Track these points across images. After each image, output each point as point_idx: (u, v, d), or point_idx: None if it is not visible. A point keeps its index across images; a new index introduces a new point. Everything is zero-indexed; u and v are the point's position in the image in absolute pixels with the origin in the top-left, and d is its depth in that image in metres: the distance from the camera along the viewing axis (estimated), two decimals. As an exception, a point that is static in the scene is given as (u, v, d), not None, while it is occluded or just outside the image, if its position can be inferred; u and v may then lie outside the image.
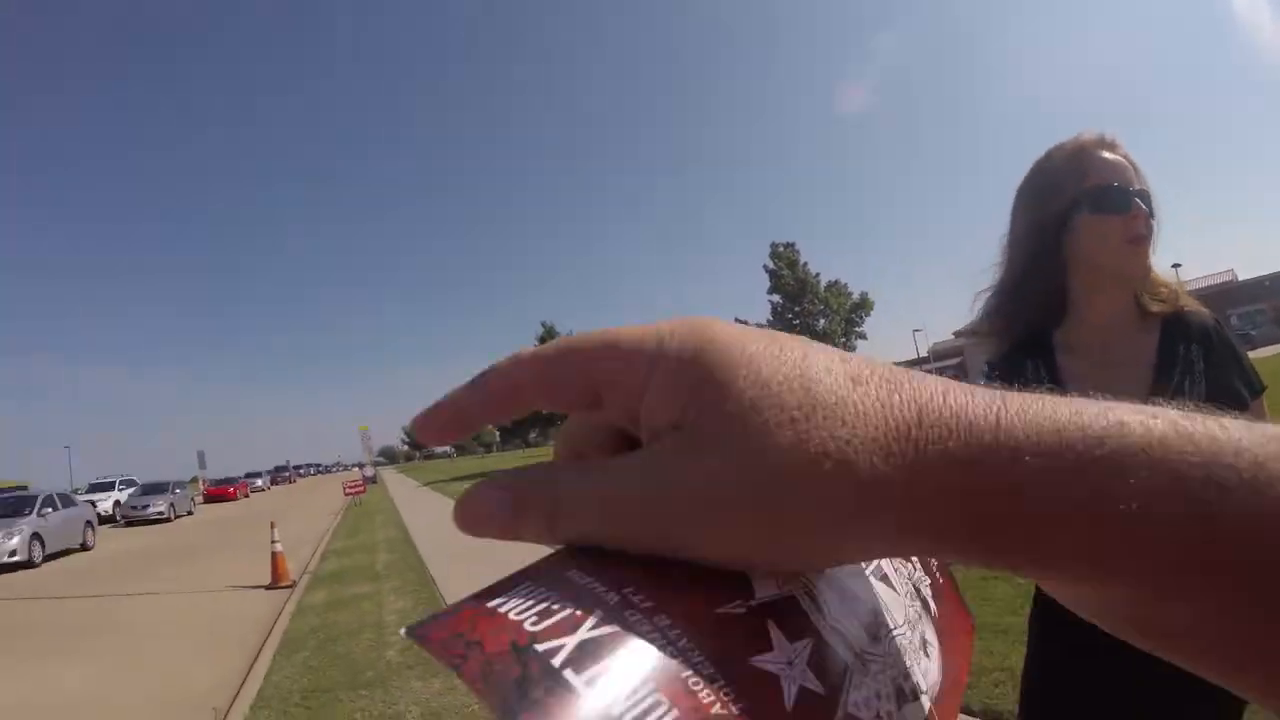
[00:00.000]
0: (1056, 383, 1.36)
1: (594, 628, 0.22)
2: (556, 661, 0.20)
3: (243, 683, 5.52)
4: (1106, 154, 1.36)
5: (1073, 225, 1.34)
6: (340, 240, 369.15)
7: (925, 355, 73.90)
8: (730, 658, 0.23)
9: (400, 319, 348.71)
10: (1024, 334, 1.43)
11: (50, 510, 16.87)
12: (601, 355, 0.28)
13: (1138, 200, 1.30)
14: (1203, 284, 64.17)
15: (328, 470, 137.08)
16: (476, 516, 0.28)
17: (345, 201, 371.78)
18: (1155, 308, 1.34)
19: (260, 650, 6.35)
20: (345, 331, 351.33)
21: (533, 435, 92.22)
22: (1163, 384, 1.29)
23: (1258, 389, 1.32)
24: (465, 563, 9.80)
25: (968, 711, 3.42)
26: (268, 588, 9.74)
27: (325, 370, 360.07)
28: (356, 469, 67.56)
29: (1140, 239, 1.30)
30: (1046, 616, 1.43)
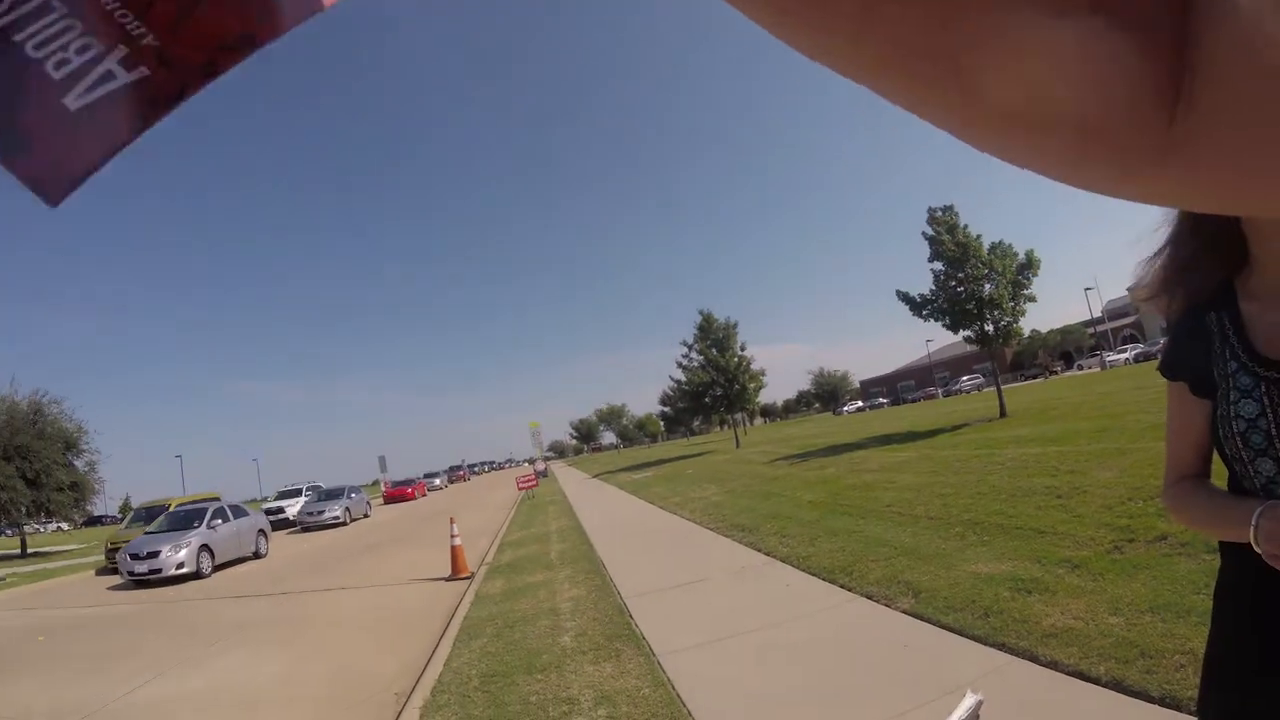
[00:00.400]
0: (1242, 335, 1.25)
1: None
2: None
3: (424, 668, 5.88)
4: None
5: None
6: (508, 246, 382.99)
7: (1100, 315, 69.12)
8: None
9: (565, 319, 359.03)
10: (1201, 286, 1.31)
11: (220, 521, 17.12)
12: None
13: None
14: None
15: (500, 467, 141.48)
16: None
17: (513, 203, 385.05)
18: None
19: (441, 638, 6.76)
20: (513, 334, 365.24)
21: (696, 423, 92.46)
22: None
23: None
24: (636, 550, 10.06)
25: (1146, 697, 3.25)
26: (448, 579, 10.37)
27: (495, 372, 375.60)
28: (528, 464, 69.77)
29: None
30: (1228, 593, 1.32)
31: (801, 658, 4.58)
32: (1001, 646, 4.17)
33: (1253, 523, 1.09)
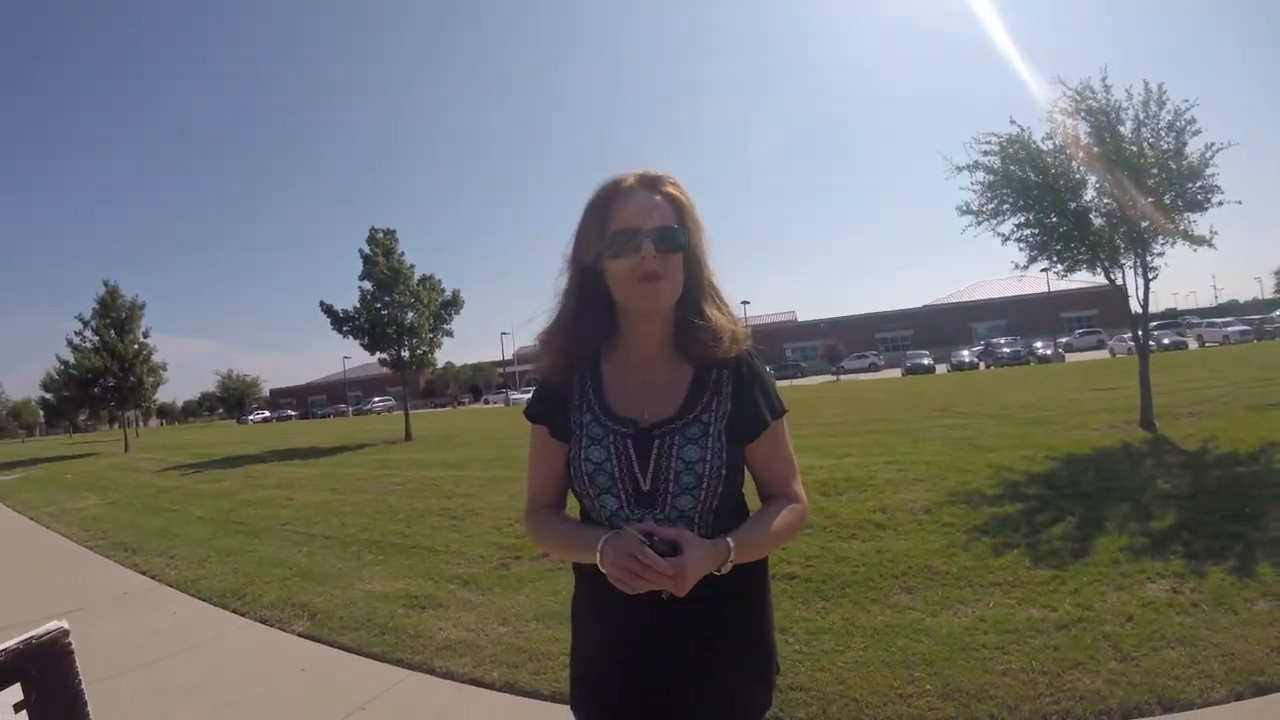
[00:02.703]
0: (599, 393, 1.48)
1: None
2: None
3: None
4: (632, 196, 1.43)
5: (604, 268, 1.43)
6: None
7: (511, 358, 76.64)
8: None
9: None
10: (578, 350, 1.51)
11: None
12: None
13: (649, 240, 1.37)
14: (768, 320, 77.05)
15: None
16: None
17: None
18: (689, 345, 1.46)
19: None
20: None
21: (83, 417, 79.28)
22: (693, 403, 1.44)
23: (779, 411, 1.50)
24: None
25: (538, 696, 3.50)
26: None
27: None
28: None
29: (651, 276, 1.38)
30: (581, 608, 1.55)
31: (194, 693, 4.07)
32: (399, 662, 4.21)
33: (599, 549, 1.28)
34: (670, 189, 1.46)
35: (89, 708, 0.91)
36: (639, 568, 1.19)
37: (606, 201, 1.45)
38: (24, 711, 0.84)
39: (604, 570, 1.26)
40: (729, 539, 1.32)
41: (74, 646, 0.90)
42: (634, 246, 1.38)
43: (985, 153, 10.55)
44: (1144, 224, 10.02)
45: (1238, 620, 3.66)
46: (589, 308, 1.48)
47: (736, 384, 1.47)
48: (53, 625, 0.89)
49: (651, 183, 1.46)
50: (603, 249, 1.42)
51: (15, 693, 0.84)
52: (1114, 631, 3.67)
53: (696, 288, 1.48)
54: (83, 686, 0.91)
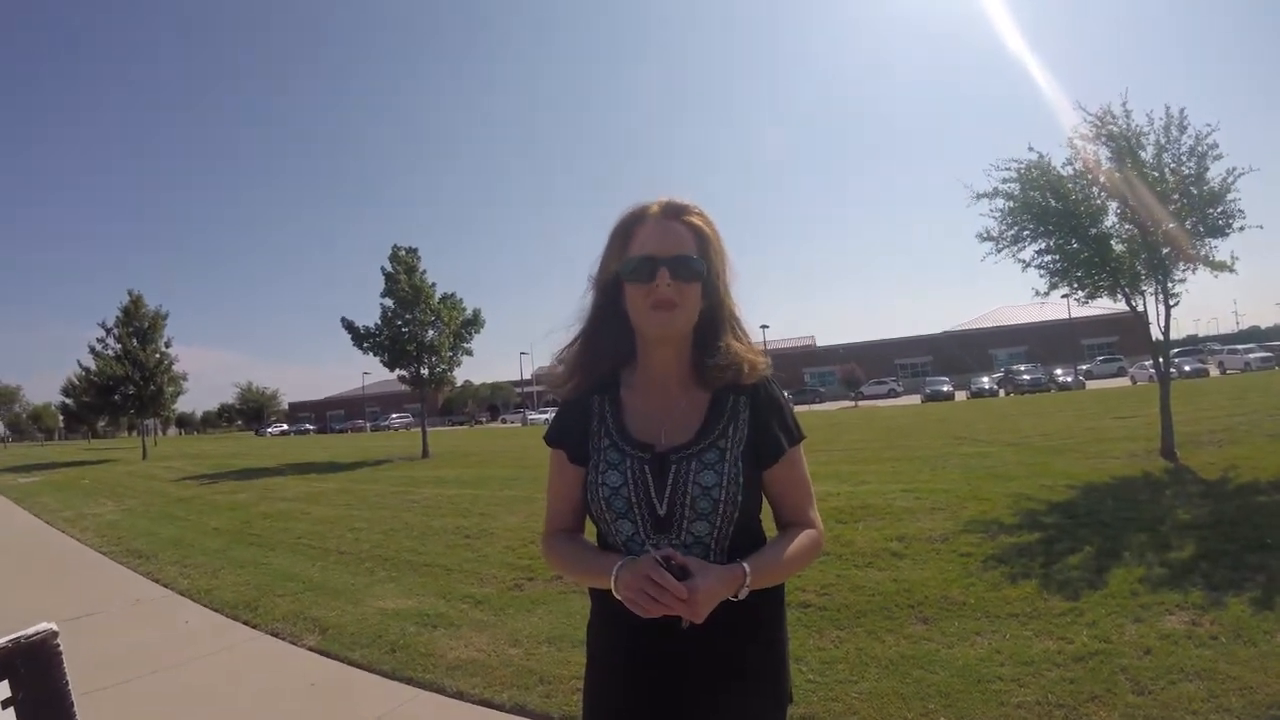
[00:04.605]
0: (618, 418, 1.48)
1: None
2: None
3: None
4: (654, 223, 1.45)
5: (624, 291, 1.45)
6: None
7: (530, 378, 76.75)
8: None
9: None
10: (597, 374, 1.52)
11: None
12: None
13: (665, 268, 1.39)
14: (787, 345, 76.72)
15: None
16: None
17: None
18: (707, 372, 1.47)
19: None
20: None
21: (102, 423, 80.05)
22: (710, 429, 1.44)
23: (796, 438, 1.50)
24: (14, 574, 8.28)
25: (547, 719, 3.48)
26: None
27: None
28: None
29: (663, 305, 1.40)
30: (597, 631, 1.54)
31: (203, 702, 4.10)
32: (409, 680, 4.21)
33: (613, 574, 1.29)
34: (694, 219, 1.47)
35: (75, 708, 0.92)
36: (655, 590, 1.19)
37: (629, 227, 1.47)
38: (12, 708, 0.86)
39: (617, 595, 1.26)
40: (744, 564, 1.31)
41: (62, 648, 0.93)
42: (649, 273, 1.39)
43: (1005, 180, 10.52)
44: (1165, 250, 9.92)
45: (1257, 653, 3.60)
46: (609, 329, 1.50)
47: (754, 410, 1.46)
48: (42, 626, 0.91)
49: (675, 211, 1.46)
50: (621, 273, 1.44)
51: (3, 689, 0.86)
52: (1132, 664, 3.62)
53: (717, 318, 1.48)
54: (70, 687, 0.92)
